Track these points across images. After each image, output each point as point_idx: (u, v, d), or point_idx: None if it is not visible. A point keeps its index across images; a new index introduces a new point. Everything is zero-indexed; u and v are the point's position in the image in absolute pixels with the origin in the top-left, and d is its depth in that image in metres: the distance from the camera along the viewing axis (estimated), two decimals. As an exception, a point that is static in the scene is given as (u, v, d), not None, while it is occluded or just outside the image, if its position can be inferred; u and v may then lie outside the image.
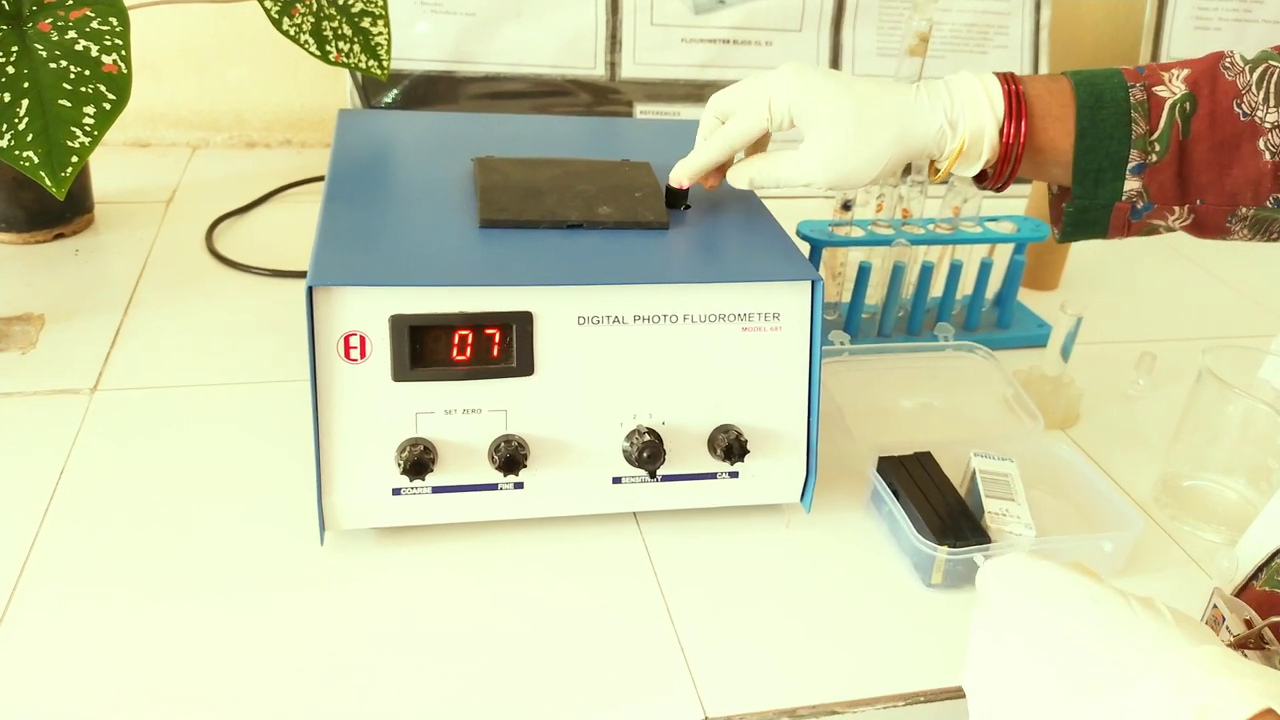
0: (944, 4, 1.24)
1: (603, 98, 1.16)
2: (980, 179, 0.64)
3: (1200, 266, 1.12)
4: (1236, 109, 0.59)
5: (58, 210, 0.94)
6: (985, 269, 0.90)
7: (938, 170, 0.63)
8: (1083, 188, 0.61)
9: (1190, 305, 1.05)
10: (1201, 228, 0.62)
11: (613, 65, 1.16)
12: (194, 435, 0.71)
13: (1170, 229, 0.62)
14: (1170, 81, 0.60)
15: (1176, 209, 0.61)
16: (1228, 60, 0.60)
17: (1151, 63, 0.61)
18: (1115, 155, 0.59)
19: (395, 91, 1.12)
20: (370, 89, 1.11)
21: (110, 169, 1.09)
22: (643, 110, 1.17)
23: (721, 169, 0.68)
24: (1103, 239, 0.63)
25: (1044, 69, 1.28)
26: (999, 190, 0.63)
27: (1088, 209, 0.61)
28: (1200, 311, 1.04)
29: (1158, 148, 0.59)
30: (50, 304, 0.85)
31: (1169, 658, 0.38)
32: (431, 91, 1.13)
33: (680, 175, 0.68)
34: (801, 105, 0.62)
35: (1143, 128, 0.59)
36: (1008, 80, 0.61)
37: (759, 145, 0.67)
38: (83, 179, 0.97)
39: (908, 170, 0.88)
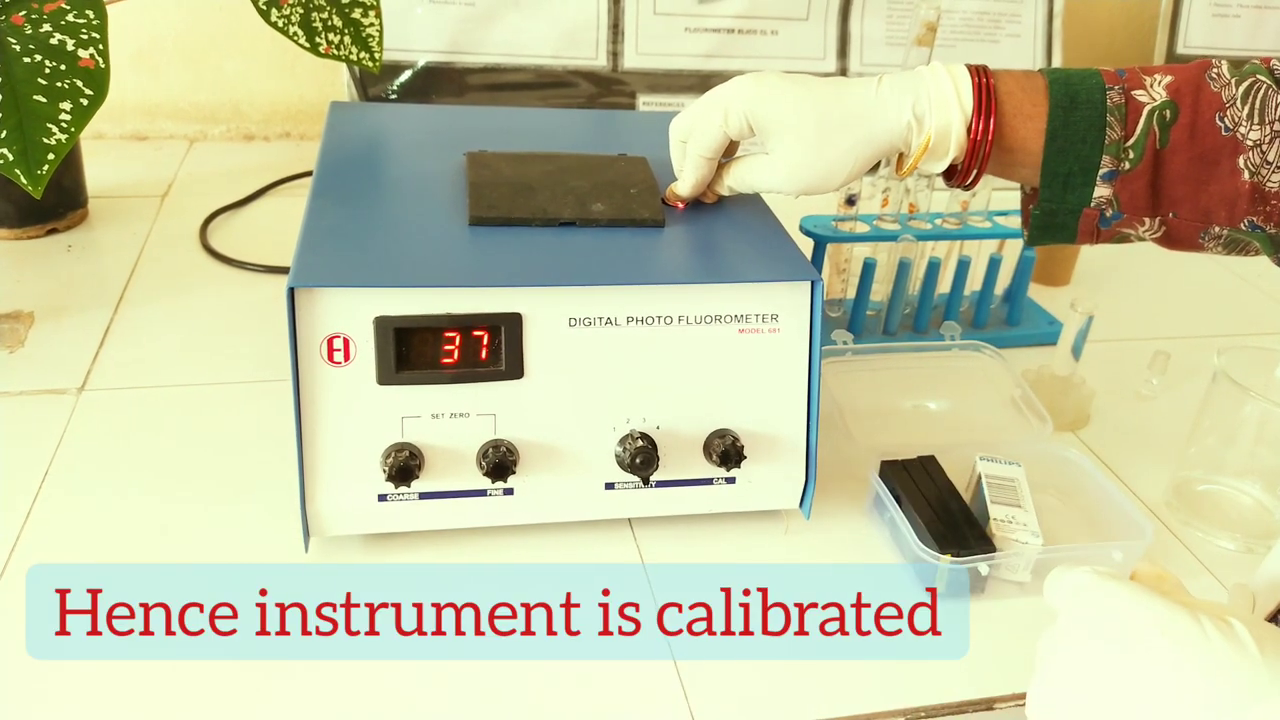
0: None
1: (605, 89, 1.14)
2: (949, 175, 0.61)
3: (1218, 261, 1.09)
4: (1219, 122, 0.56)
5: (50, 205, 0.92)
6: (994, 265, 0.88)
7: (904, 165, 0.61)
8: (1051, 191, 0.58)
9: (1207, 301, 1.02)
10: (1173, 241, 0.59)
11: (615, 55, 1.14)
12: (181, 436, 0.69)
13: (1141, 239, 0.59)
14: (1151, 87, 0.57)
15: (1147, 220, 0.58)
16: (1214, 70, 0.57)
17: (1135, 65, 0.59)
18: (1086, 160, 0.57)
19: (395, 83, 1.10)
20: (368, 80, 1.10)
21: (106, 162, 1.08)
22: (646, 101, 1.15)
23: (712, 185, 0.67)
24: (1071, 244, 0.60)
25: (1057, 58, 1.25)
26: (967, 188, 0.61)
27: (1055, 213, 0.59)
28: (1218, 308, 1.01)
29: (1131, 155, 0.56)
30: (40, 301, 0.83)
31: (1256, 710, 0.34)
32: (430, 83, 1.11)
33: (678, 197, 0.67)
34: (759, 113, 0.60)
35: (1117, 133, 0.56)
36: (979, 74, 0.58)
37: (732, 151, 0.65)
38: (76, 173, 0.96)
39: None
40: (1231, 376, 0.68)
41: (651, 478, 0.61)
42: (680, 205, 0.67)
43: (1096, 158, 0.57)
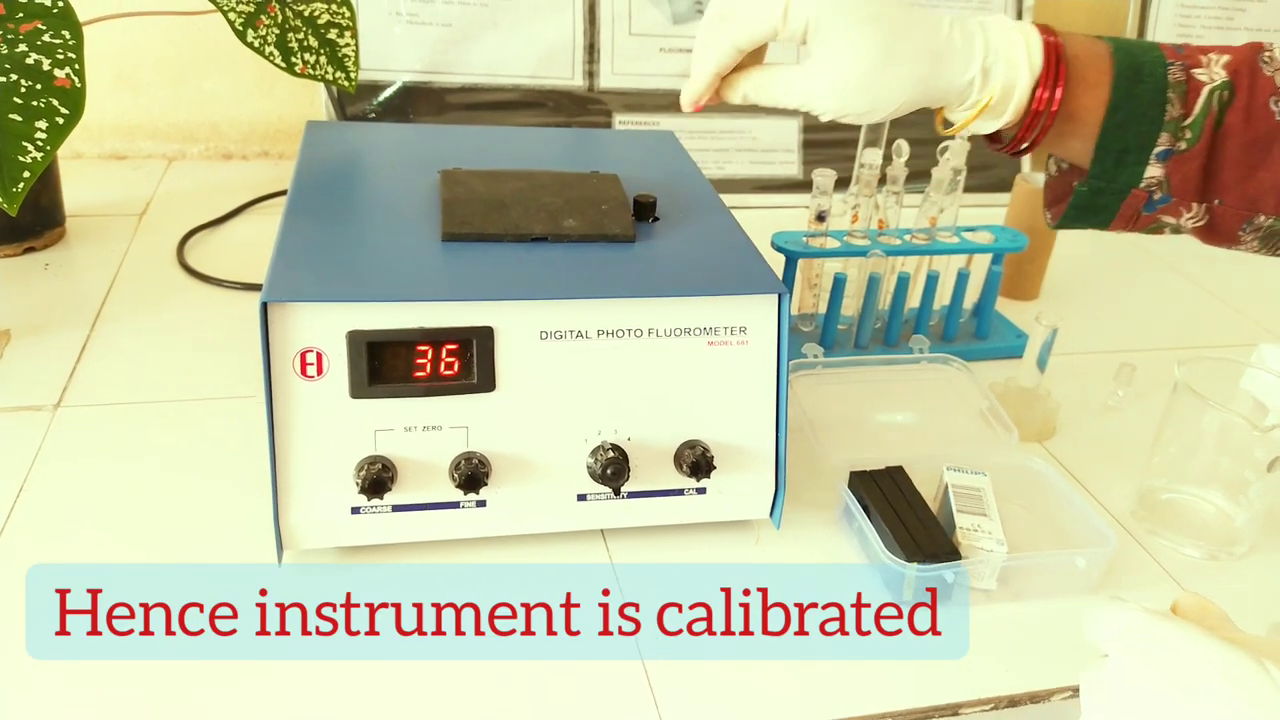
0: (924, 1, 1.23)
1: (582, 108, 1.16)
2: (993, 139, 0.58)
3: (1183, 275, 1.11)
4: (1273, 107, 0.54)
5: (27, 224, 0.93)
6: (962, 279, 0.89)
7: (949, 123, 0.57)
8: (1102, 167, 0.55)
9: (1172, 314, 1.04)
10: (1213, 232, 0.57)
11: (591, 75, 1.15)
12: (157, 452, 0.70)
13: (1179, 229, 0.57)
14: (1210, 66, 0.55)
15: (1194, 205, 0.56)
16: (1266, 54, 0.55)
17: (1186, 43, 0.56)
18: (1144, 135, 0.54)
19: (373, 102, 1.11)
20: (347, 100, 1.10)
21: (85, 181, 1.08)
22: (622, 120, 1.17)
23: (719, 85, 0.60)
24: (1103, 230, 0.57)
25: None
26: (1014, 155, 0.58)
27: (1102, 191, 0.56)
28: (1182, 321, 1.03)
29: (1189, 135, 0.54)
30: (17, 319, 0.84)
31: None
32: (409, 102, 1.12)
33: (685, 99, 0.60)
34: (824, 21, 0.53)
35: (1177, 110, 0.54)
36: (1048, 32, 0.54)
37: (756, 57, 0.59)
38: (54, 192, 0.96)
39: (883, 178, 0.87)
40: (1192, 387, 0.69)
41: (623, 489, 0.62)
42: (689, 110, 0.60)
43: (1155, 134, 0.55)
